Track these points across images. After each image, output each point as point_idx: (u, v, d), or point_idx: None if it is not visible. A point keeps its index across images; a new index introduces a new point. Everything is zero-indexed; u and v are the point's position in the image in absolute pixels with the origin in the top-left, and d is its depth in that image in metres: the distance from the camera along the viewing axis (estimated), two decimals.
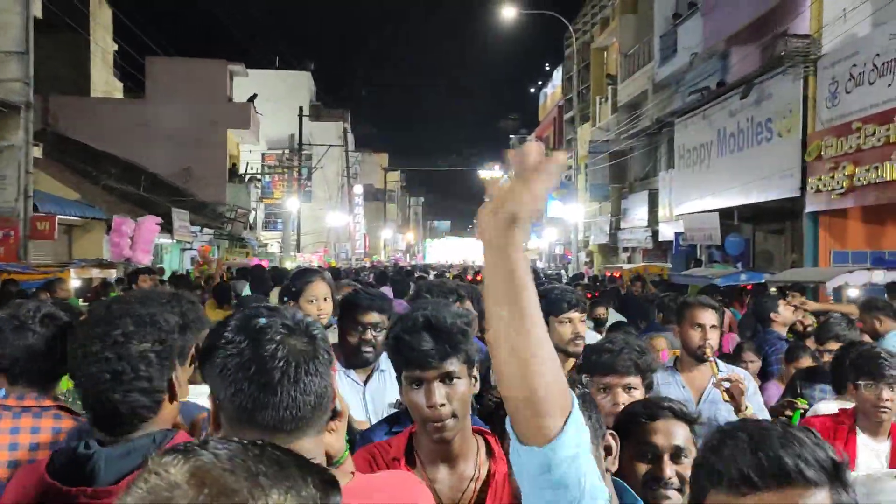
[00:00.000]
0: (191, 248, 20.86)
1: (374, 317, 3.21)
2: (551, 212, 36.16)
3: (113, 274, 12.18)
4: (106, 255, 13.61)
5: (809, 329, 6.22)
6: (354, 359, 3.24)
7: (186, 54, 31.31)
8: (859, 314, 5.83)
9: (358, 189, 50.34)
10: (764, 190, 15.32)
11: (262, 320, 1.27)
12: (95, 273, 12.04)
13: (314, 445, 1.26)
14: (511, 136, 67.06)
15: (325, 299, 3.79)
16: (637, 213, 25.99)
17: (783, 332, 5.88)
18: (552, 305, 3.35)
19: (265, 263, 16.52)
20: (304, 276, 3.97)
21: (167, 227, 18.80)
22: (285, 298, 4.33)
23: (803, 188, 13.69)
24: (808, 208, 13.69)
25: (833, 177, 12.37)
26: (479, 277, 15.71)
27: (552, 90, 50.39)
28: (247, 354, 1.23)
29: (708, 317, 3.61)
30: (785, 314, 5.98)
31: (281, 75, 41.58)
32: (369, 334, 3.22)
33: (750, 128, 15.92)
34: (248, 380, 1.22)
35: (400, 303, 9.20)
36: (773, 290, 9.16)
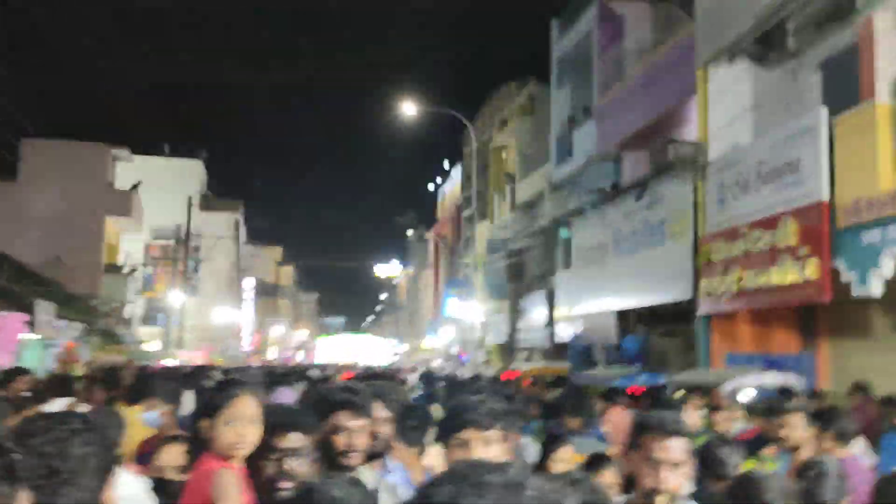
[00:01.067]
0: (55, 346, 19.00)
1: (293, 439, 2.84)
2: (448, 310, 35.75)
3: None
4: None
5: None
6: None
7: (68, 137, 29.80)
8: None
9: (248, 283, 48.63)
10: (658, 291, 15.31)
11: None
12: None
13: None
14: (409, 230, 67.31)
15: (251, 422, 2.82)
16: (535, 312, 25.85)
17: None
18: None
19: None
20: (228, 388, 3.06)
21: (28, 322, 17.07)
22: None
23: (695, 290, 13.68)
24: (701, 311, 13.66)
25: (723, 280, 12.38)
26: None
27: (451, 187, 51.04)
28: None
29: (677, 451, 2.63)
30: (691, 419, 5.56)
31: (171, 162, 40.33)
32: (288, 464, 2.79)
33: (644, 229, 16.06)
34: None
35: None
36: (679, 392, 8.71)
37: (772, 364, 11.42)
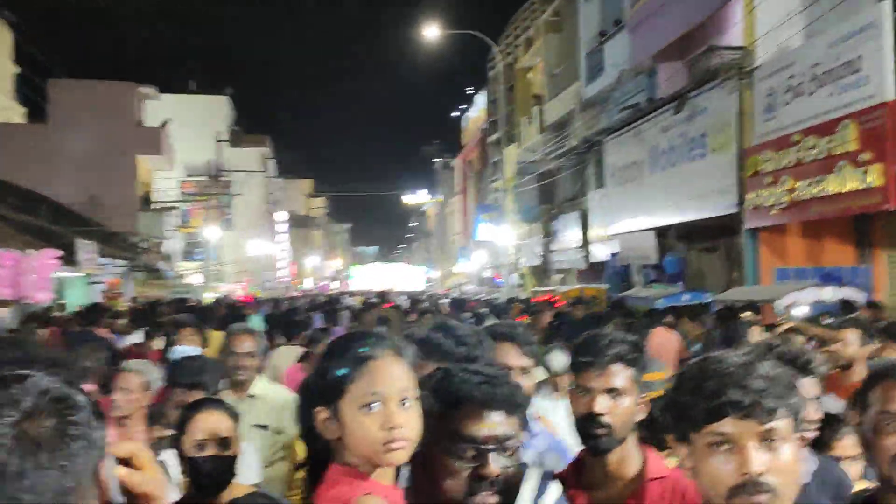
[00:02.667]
0: (100, 282, 19.34)
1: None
2: (480, 234, 35.67)
3: (4, 313, 10.81)
4: None
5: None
6: None
7: (95, 78, 29.62)
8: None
9: (281, 216, 48.86)
10: (699, 207, 15.00)
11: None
12: None
13: None
14: (434, 160, 66.76)
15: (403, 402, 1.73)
16: (568, 234, 25.66)
17: None
18: None
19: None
20: (349, 344, 1.82)
21: (71, 260, 17.33)
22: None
23: (741, 204, 13.38)
24: (747, 225, 13.38)
25: (772, 192, 12.06)
26: (388, 305, 14.60)
27: (475, 113, 50.34)
28: None
29: None
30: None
31: (198, 99, 40.07)
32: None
33: (683, 144, 15.65)
34: None
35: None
36: (747, 314, 8.53)
37: (825, 278, 11.20)
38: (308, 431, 1.69)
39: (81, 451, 1.06)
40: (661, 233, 17.38)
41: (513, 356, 2.57)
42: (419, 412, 1.62)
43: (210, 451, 2.62)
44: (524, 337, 2.66)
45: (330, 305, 15.05)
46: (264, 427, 3.89)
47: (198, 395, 3.26)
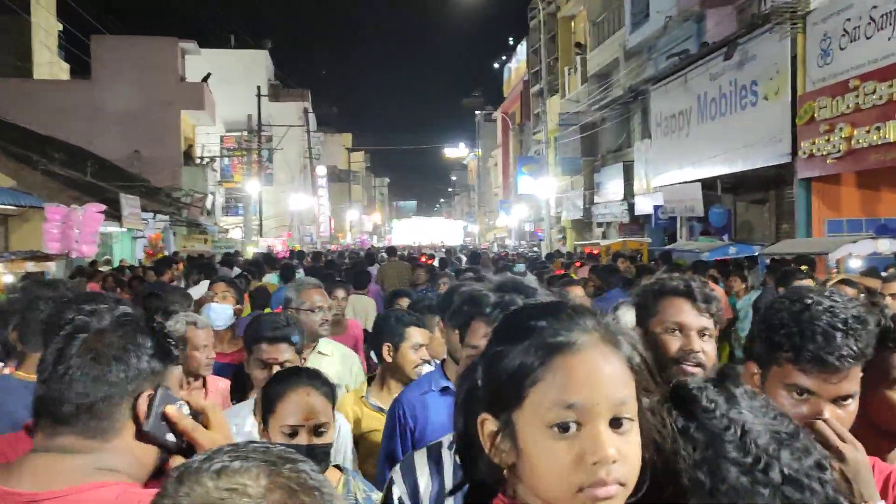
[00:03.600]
0: (143, 237, 19.62)
1: None
2: (521, 188, 35.32)
3: (51, 267, 10.99)
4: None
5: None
6: None
7: (136, 33, 29.68)
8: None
9: (321, 170, 48.98)
10: (749, 157, 14.54)
11: None
12: (30, 267, 10.85)
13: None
14: (476, 112, 66.05)
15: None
16: (611, 186, 25.24)
17: None
18: None
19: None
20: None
21: (115, 215, 17.57)
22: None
23: (794, 154, 12.92)
24: (800, 175, 12.94)
25: (828, 140, 11.60)
26: (429, 262, 14.66)
27: (516, 64, 49.51)
28: None
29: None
30: None
31: (236, 54, 40.00)
32: None
33: (733, 92, 15.12)
34: None
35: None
36: (803, 267, 8.24)
37: (881, 230, 10.79)
38: (465, 441, 1.13)
39: (119, 372, 1.27)
40: (708, 185, 16.94)
41: (688, 314, 2.10)
42: (638, 440, 1.04)
43: (303, 440, 2.17)
44: (701, 292, 2.13)
45: (372, 261, 15.08)
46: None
47: (285, 349, 2.95)
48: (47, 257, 10.92)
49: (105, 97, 25.19)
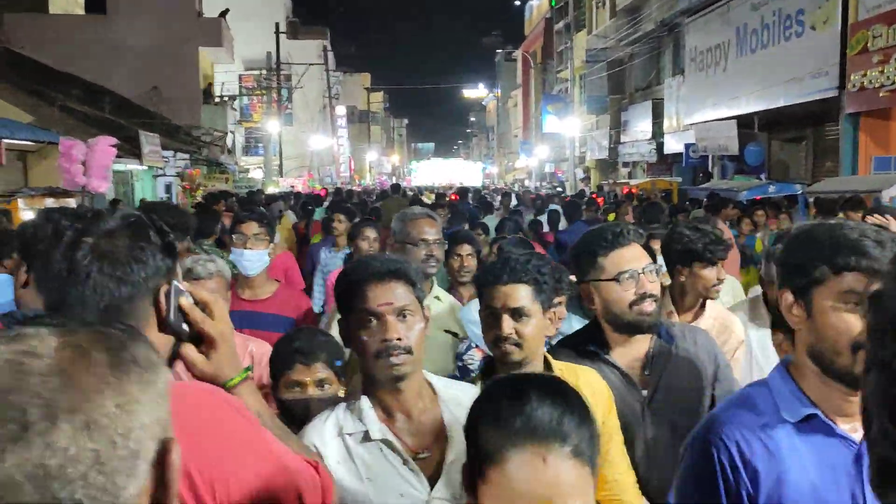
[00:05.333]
0: (164, 175, 19.34)
1: None
2: (547, 127, 34.58)
3: (70, 203, 10.72)
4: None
5: None
6: None
7: None
8: None
9: (340, 110, 48.30)
10: (792, 92, 13.91)
11: None
12: (50, 203, 10.60)
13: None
14: (497, 50, 64.65)
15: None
16: (639, 125, 24.58)
17: None
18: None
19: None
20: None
21: (136, 153, 17.28)
22: None
23: (841, 87, 12.28)
24: (848, 109, 12.32)
25: (882, 71, 10.97)
26: (454, 197, 14.62)
27: (538, 1, 48.18)
28: None
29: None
30: None
31: None
32: None
33: (777, 22, 14.39)
34: None
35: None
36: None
37: None
38: None
39: (139, 270, 1.31)
40: (742, 122, 16.33)
41: None
42: None
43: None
44: None
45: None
46: (454, 335, 3.01)
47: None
48: (67, 194, 10.65)
49: (121, 33, 24.66)
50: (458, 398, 1.80)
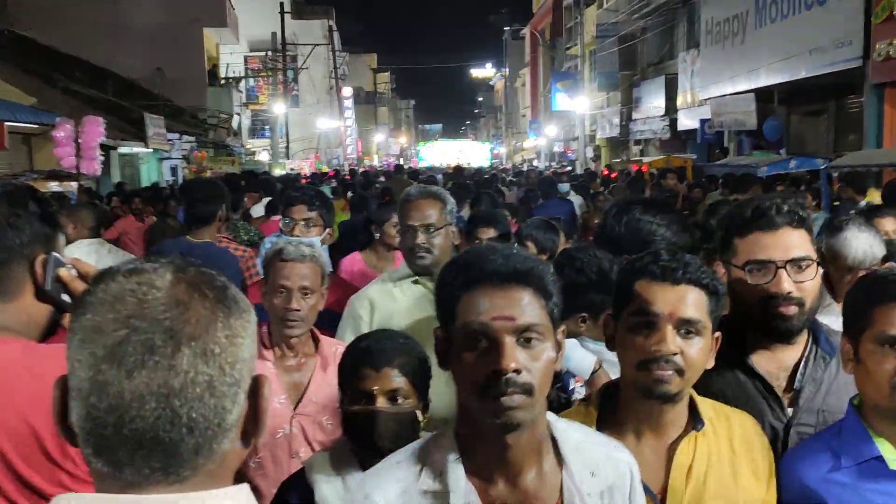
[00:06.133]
0: (169, 158, 19.11)
1: None
2: (557, 105, 34.09)
3: (73, 186, 10.47)
4: None
5: None
6: None
7: None
8: None
9: (347, 91, 47.87)
10: (812, 63, 13.47)
11: None
12: (54, 186, 10.37)
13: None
14: (505, 28, 63.94)
15: None
16: (651, 101, 24.14)
17: None
18: None
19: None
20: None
21: (141, 136, 17.03)
22: None
23: (866, 57, 11.87)
24: (873, 80, 11.91)
25: None
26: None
27: None
28: None
29: None
30: None
31: None
32: None
33: None
34: None
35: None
36: None
37: None
38: None
39: (14, 237, 1.37)
40: (760, 96, 15.90)
41: None
42: None
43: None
44: None
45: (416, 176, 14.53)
46: None
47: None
48: (70, 177, 10.41)
49: (126, 13, 24.37)
50: (581, 446, 1.36)
